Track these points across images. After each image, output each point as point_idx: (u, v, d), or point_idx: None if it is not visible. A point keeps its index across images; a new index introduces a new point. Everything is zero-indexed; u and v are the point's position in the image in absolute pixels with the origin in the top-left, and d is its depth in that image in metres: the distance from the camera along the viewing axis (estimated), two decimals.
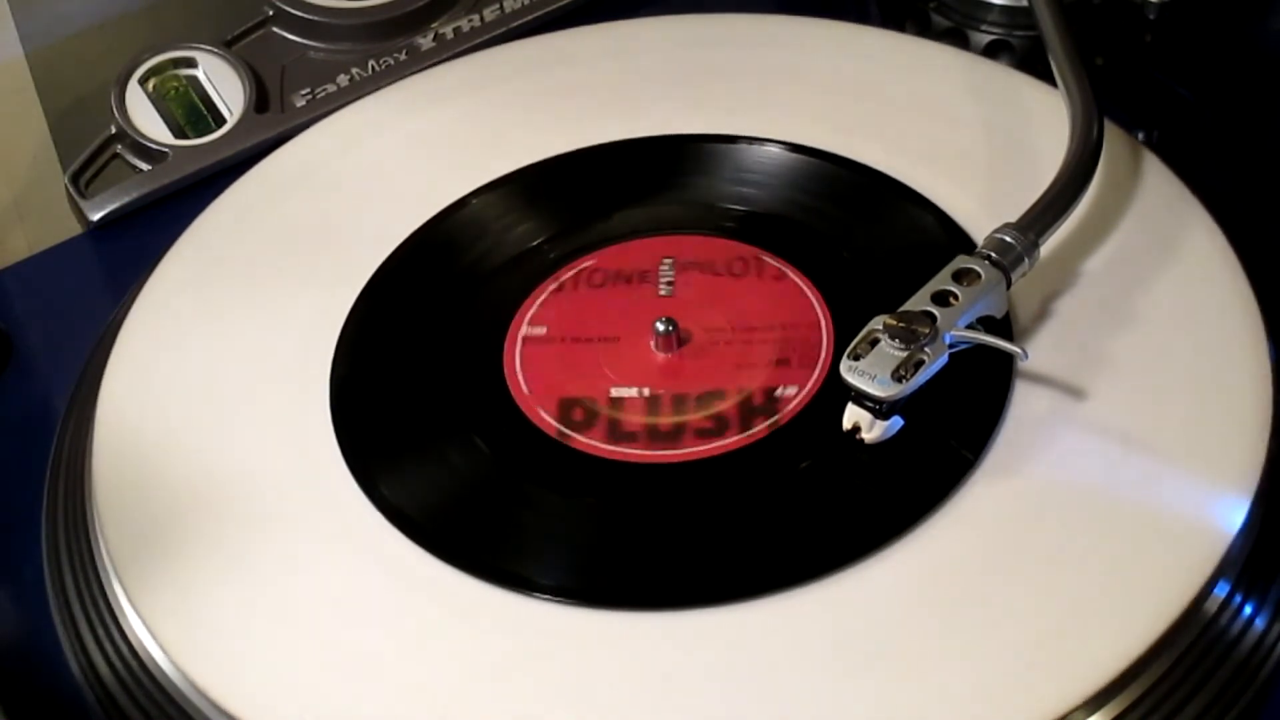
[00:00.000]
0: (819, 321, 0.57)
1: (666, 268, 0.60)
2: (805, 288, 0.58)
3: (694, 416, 0.55)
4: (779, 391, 0.55)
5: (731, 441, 0.54)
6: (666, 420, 0.55)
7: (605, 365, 0.57)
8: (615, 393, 0.56)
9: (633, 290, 0.59)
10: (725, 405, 0.55)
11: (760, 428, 0.54)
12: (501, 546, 0.52)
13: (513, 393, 0.57)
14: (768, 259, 0.59)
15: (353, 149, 0.67)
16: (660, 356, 0.57)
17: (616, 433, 0.55)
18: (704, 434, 0.54)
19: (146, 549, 0.53)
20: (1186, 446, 0.52)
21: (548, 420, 0.56)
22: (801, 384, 0.55)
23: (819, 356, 0.56)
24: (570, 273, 0.60)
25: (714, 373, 0.56)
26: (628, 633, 0.49)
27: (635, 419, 0.55)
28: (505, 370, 0.57)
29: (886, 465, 0.52)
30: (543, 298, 0.60)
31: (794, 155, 0.63)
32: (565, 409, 0.56)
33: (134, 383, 0.59)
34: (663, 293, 0.59)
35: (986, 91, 0.65)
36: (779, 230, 0.61)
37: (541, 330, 0.59)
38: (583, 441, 0.55)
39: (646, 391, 0.56)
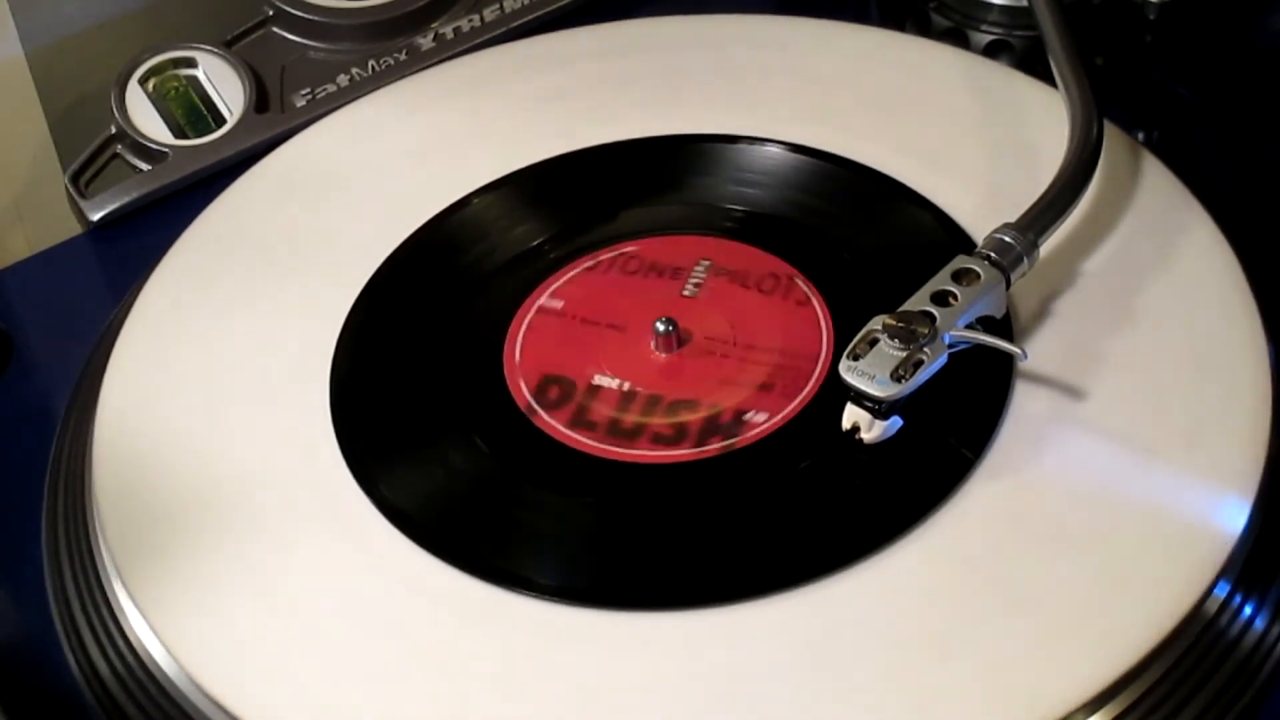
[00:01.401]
0: (819, 355, 0.56)
1: (700, 270, 0.59)
2: (822, 318, 0.57)
3: (657, 421, 0.55)
4: (748, 415, 0.55)
5: (683, 454, 0.54)
6: (630, 418, 0.55)
7: (601, 351, 0.57)
8: (596, 380, 0.56)
9: (660, 284, 0.59)
10: (692, 417, 0.55)
11: (714, 446, 0.54)
12: (501, 546, 0.52)
13: (505, 358, 0.57)
14: (800, 282, 0.58)
15: (352, 149, 0.67)
16: (656, 355, 0.57)
17: (580, 420, 0.55)
18: (660, 440, 0.54)
19: (146, 549, 0.53)
20: (1186, 446, 0.52)
21: (523, 392, 0.56)
22: (774, 412, 0.55)
23: (802, 389, 0.55)
24: (609, 254, 0.60)
25: (696, 382, 0.56)
26: (628, 633, 0.49)
27: (603, 410, 0.55)
28: (508, 336, 0.58)
29: (887, 465, 0.52)
30: (573, 274, 0.60)
31: (794, 155, 0.63)
32: (544, 385, 0.56)
33: (134, 383, 0.59)
34: (686, 293, 0.59)
35: (986, 91, 0.65)
36: (779, 230, 0.61)
37: (559, 304, 0.59)
38: (545, 421, 0.55)
39: (626, 386, 0.56)
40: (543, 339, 0.58)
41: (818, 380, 0.55)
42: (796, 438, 0.54)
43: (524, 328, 0.59)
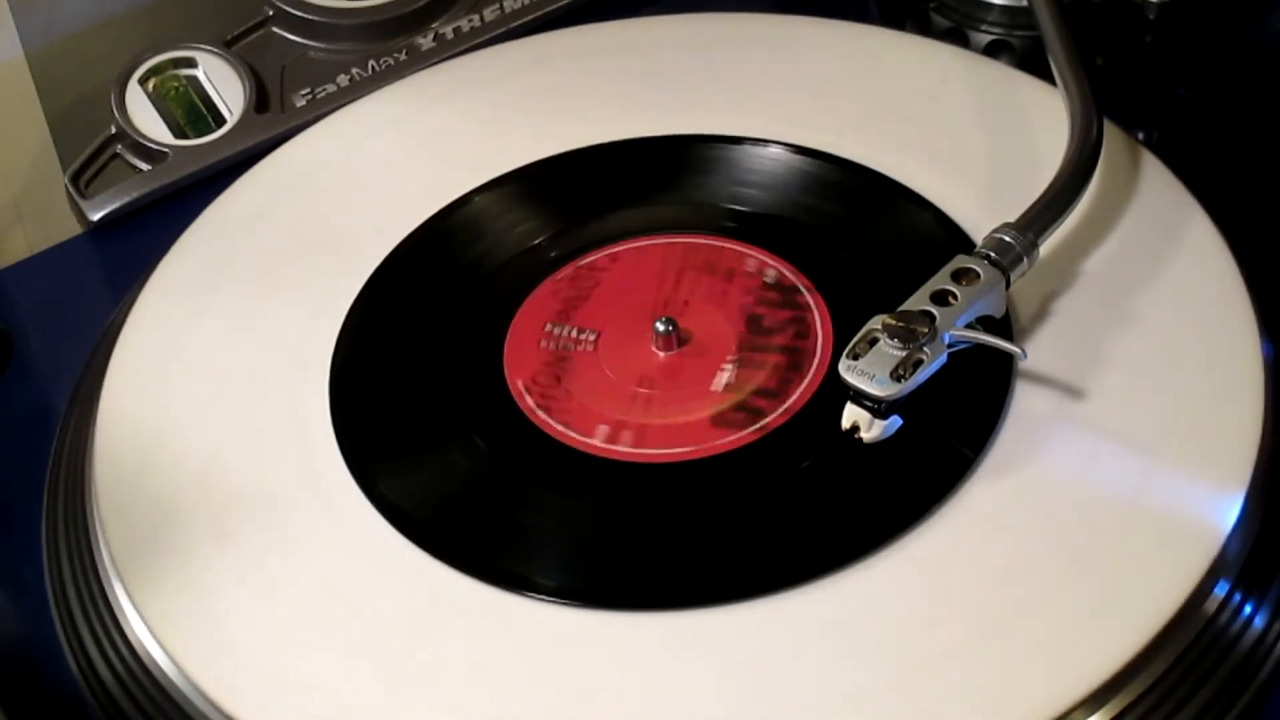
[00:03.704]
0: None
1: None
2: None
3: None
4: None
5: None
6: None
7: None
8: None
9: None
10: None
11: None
12: (501, 546, 0.52)
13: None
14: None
15: (353, 149, 0.67)
16: (655, 354, 0.57)
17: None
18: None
19: (146, 549, 0.53)
20: (1184, 445, 0.52)
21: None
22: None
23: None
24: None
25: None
26: (627, 633, 0.49)
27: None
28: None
29: (887, 464, 0.52)
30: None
31: (795, 156, 0.63)
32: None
33: (134, 383, 0.59)
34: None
35: (986, 91, 0.65)
36: (779, 230, 0.61)
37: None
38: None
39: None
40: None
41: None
42: (796, 437, 0.54)
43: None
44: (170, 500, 0.54)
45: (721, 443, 0.54)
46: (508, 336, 0.58)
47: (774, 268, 0.59)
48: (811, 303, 0.58)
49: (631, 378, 0.56)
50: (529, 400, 0.56)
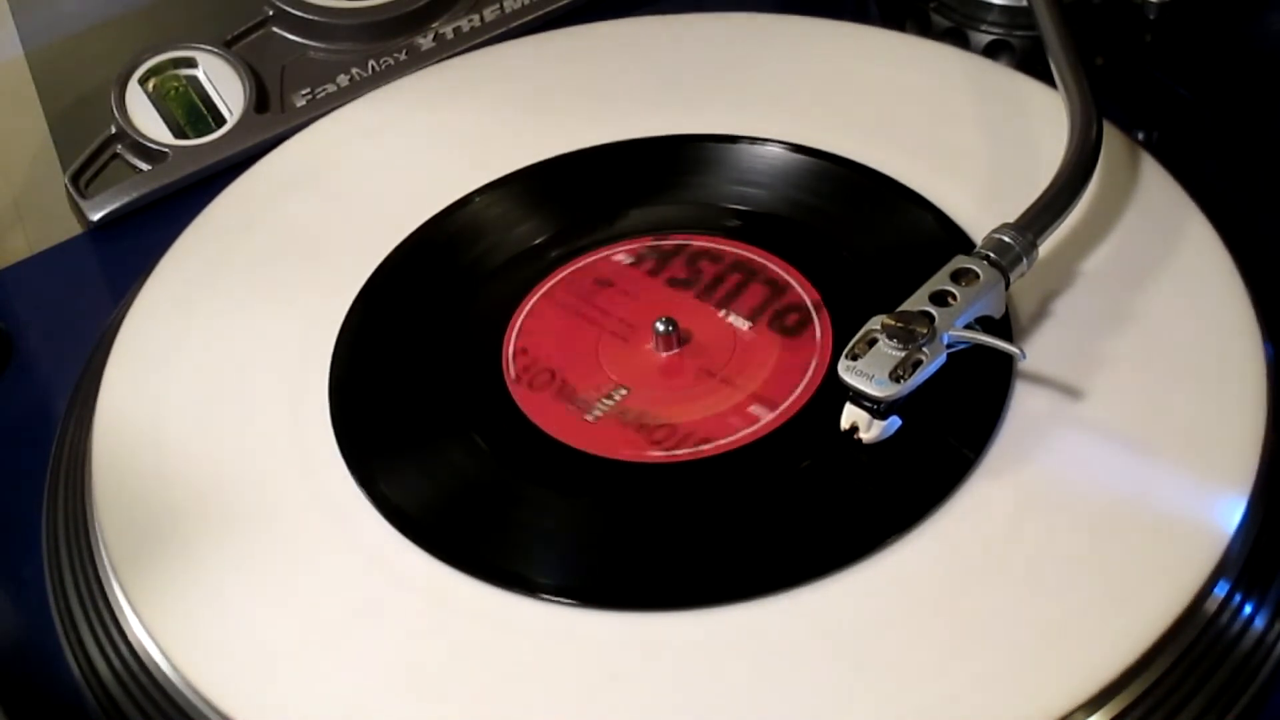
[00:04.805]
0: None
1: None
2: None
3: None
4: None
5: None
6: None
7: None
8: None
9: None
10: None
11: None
12: (501, 546, 0.52)
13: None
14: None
15: (352, 149, 0.67)
16: (655, 354, 0.57)
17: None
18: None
19: (146, 549, 0.53)
20: (1185, 445, 0.52)
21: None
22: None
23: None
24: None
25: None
26: (627, 633, 0.49)
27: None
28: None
29: (887, 465, 0.52)
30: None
31: (794, 155, 0.63)
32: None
33: (134, 383, 0.59)
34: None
35: (986, 91, 0.65)
36: (779, 230, 0.61)
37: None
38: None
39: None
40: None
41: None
42: (796, 438, 0.54)
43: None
44: (170, 500, 0.55)
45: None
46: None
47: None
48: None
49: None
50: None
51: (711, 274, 0.59)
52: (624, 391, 0.56)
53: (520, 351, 0.58)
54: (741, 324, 0.58)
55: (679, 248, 0.61)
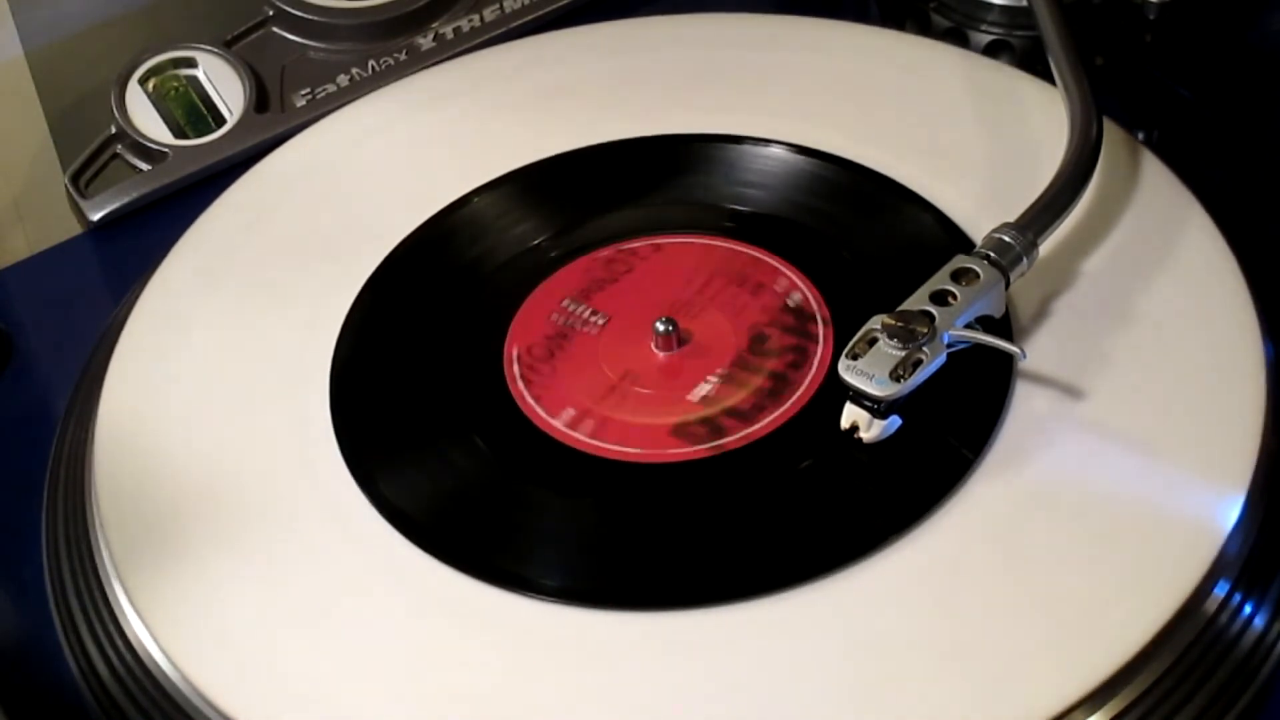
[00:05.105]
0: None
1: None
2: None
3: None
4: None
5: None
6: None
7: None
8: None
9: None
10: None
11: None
12: (501, 546, 0.52)
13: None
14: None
15: (353, 149, 0.67)
16: (655, 354, 0.57)
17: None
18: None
19: (146, 549, 0.53)
20: (1185, 445, 0.52)
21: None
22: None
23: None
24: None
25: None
26: (627, 633, 0.49)
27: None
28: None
29: (887, 465, 0.52)
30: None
31: (794, 155, 0.63)
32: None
33: (134, 383, 0.59)
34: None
35: (986, 91, 0.65)
36: (779, 230, 0.61)
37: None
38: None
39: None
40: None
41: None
42: (796, 438, 0.54)
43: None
44: (170, 500, 0.55)
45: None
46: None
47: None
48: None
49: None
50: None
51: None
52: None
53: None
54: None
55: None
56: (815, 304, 0.58)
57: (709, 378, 0.56)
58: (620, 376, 0.56)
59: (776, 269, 0.59)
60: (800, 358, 0.56)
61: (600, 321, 0.58)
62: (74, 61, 0.78)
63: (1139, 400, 0.53)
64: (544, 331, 0.58)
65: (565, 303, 0.59)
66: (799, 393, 0.55)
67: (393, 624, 0.50)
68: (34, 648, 0.55)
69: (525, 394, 0.56)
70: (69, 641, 0.54)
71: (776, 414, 0.55)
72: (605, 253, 0.61)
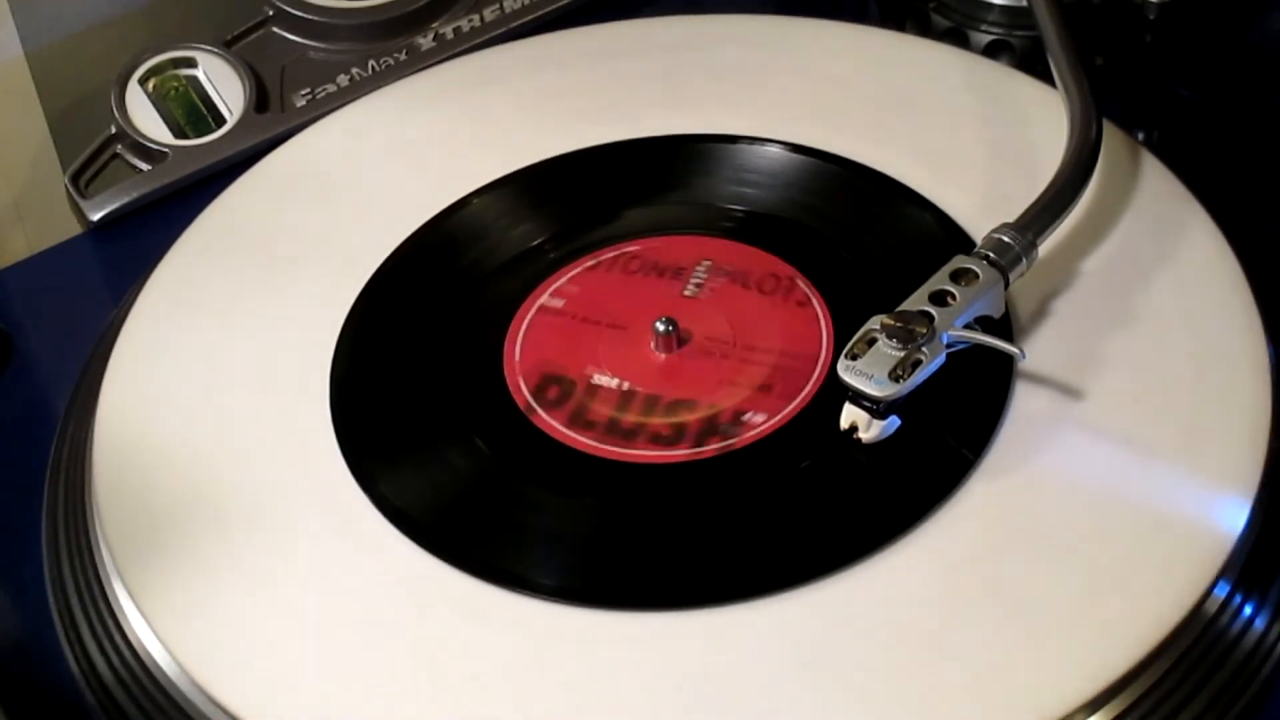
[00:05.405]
0: (819, 355, 0.56)
1: (700, 270, 0.59)
2: (822, 318, 0.57)
3: (657, 420, 0.55)
4: (747, 415, 0.55)
5: (682, 454, 0.54)
6: (630, 418, 0.55)
7: (600, 351, 0.57)
8: (596, 380, 0.56)
9: (660, 284, 0.59)
10: (691, 417, 0.55)
11: (713, 446, 0.54)
12: (502, 546, 0.52)
13: (505, 358, 0.57)
14: (799, 282, 0.58)
15: (352, 149, 0.67)
16: (655, 355, 0.57)
17: (579, 419, 0.55)
18: (658, 440, 0.54)
19: (146, 549, 0.53)
20: (1186, 446, 0.52)
21: (523, 392, 0.56)
22: (773, 412, 0.55)
23: (802, 389, 0.55)
24: (609, 254, 0.60)
25: (696, 382, 0.56)
26: (627, 633, 0.49)
27: (602, 410, 0.55)
28: (507, 336, 0.58)
29: (886, 465, 0.52)
30: (573, 273, 0.60)
31: (794, 155, 0.63)
32: (543, 385, 0.56)
33: (134, 383, 0.59)
34: (686, 293, 0.59)
35: (986, 91, 0.65)
36: (779, 230, 0.61)
37: (559, 304, 0.59)
38: (544, 420, 0.55)
39: (625, 386, 0.56)
40: (542, 339, 0.58)
41: (817, 380, 0.55)
42: (796, 438, 0.54)
43: (524, 327, 0.59)
44: (170, 500, 0.55)
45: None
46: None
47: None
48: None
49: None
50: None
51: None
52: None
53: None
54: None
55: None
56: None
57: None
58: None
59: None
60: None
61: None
62: (74, 61, 0.78)
63: (1139, 401, 0.53)
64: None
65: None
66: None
67: (393, 623, 0.50)
68: (34, 647, 0.55)
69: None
70: (69, 641, 0.54)
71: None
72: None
